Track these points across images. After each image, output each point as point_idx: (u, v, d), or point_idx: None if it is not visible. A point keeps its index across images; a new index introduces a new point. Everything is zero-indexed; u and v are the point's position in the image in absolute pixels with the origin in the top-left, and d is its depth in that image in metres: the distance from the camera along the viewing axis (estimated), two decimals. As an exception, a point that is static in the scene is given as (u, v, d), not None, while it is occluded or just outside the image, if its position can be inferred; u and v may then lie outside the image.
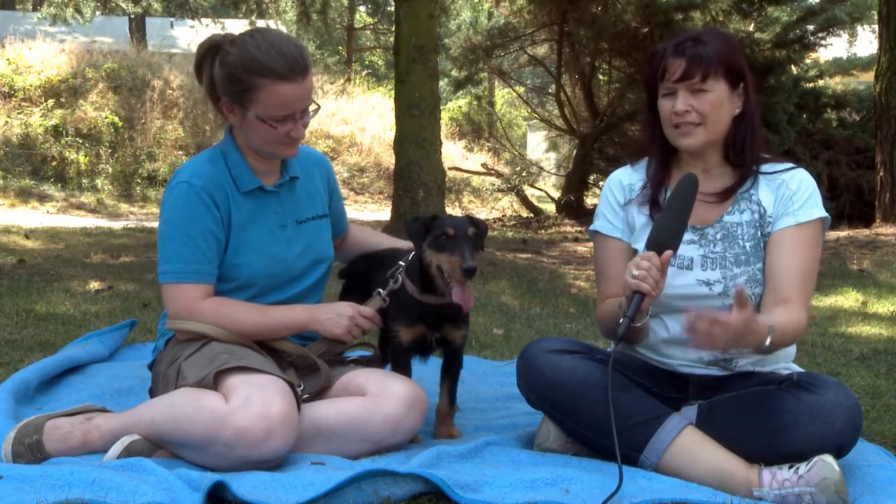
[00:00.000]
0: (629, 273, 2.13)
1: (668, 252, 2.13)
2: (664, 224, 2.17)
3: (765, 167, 2.39)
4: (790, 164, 2.40)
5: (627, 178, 2.49)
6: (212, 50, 2.48)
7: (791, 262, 2.28)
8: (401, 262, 2.54)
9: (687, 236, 2.35)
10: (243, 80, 2.39)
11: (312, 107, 2.49)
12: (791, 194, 2.33)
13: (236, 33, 2.52)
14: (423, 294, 2.49)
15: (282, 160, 2.59)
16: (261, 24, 16.83)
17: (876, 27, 12.20)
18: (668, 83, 2.31)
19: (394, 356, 2.58)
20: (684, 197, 2.18)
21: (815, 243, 2.33)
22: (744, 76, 2.34)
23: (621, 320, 2.13)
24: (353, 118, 19.04)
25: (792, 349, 2.44)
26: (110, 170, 14.93)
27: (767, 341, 2.09)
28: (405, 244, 2.68)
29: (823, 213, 2.33)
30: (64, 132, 14.90)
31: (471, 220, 2.46)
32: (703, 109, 2.29)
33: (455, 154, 17.91)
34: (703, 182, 2.38)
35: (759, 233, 2.34)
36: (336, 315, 2.47)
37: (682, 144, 2.34)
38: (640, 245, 2.39)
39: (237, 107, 2.44)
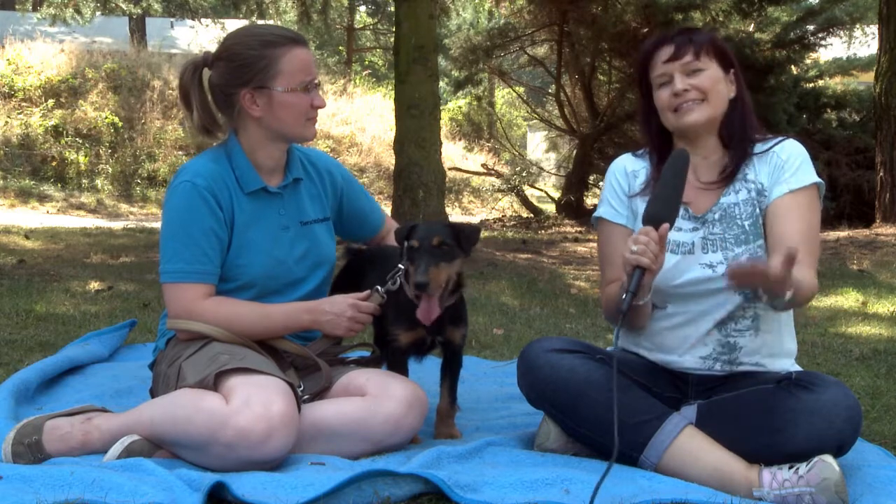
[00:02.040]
0: (627, 249, 2.15)
1: (665, 225, 2.14)
2: (659, 198, 2.19)
3: (756, 147, 2.41)
4: (780, 137, 2.43)
5: (631, 165, 2.51)
6: (197, 68, 2.50)
7: (792, 226, 2.29)
8: (400, 266, 2.54)
9: (688, 224, 2.37)
10: (262, 57, 2.41)
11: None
12: (782, 163, 2.35)
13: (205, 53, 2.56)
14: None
15: (286, 161, 2.60)
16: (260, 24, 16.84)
17: (876, 27, 12.21)
18: (660, 68, 2.36)
19: (391, 358, 2.59)
20: (676, 170, 2.20)
21: (813, 208, 2.33)
22: (733, 63, 2.40)
23: (623, 296, 2.14)
24: (353, 118, 19.04)
25: (793, 348, 2.45)
26: (110, 170, 14.94)
27: (788, 295, 2.09)
28: None
29: (816, 179, 2.34)
30: (64, 132, 14.91)
31: (447, 229, 2.42)
32: (702, 85, 2.33)
33: (455, 154, 17.91)
34: (701, 170, 2.41)
35: (756, 209, 2.35)
36: (335, 316, 2.47)
37: (686, 121, 2.35)
38: None
39: (261, 92, 2.44)
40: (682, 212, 2.33)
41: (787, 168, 2.34)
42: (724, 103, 2.38)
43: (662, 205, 2.17)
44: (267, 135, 2.51)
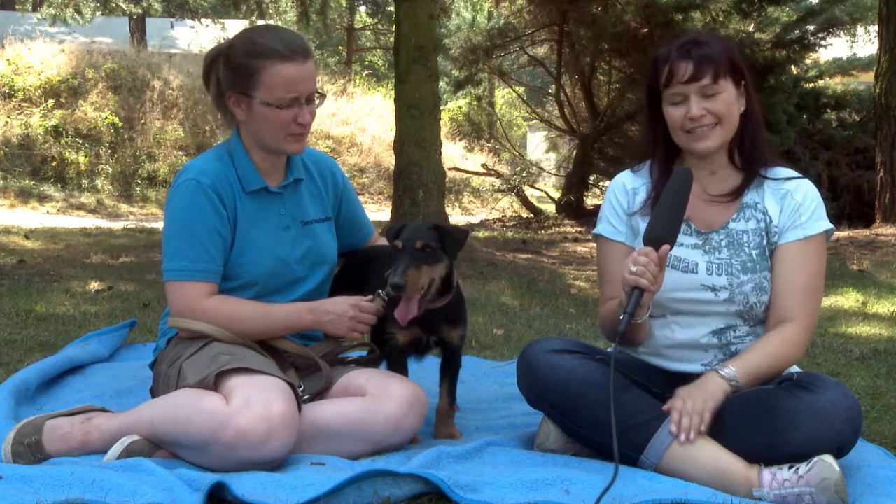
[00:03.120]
0: (627, 269, 2.14)
1: (666, 247, 2.14)
2: (660, 219, 2.18)
3: (769, 172, 2.39)
4: (795, 174, 2.40)
5: (630, 182, 2.48)
6: (220, 55, 2.52)
7: (796, 280, 2.30)
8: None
9: (690, 240, 2.36)
10: (247, 66, 2.42)
11: (317, 99, 2.50)
12: (797, 206, 2.34)
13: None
14: None
15: (287, 161, 2.60)
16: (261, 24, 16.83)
17: (876, 27, 12.21)
18: (676, 87, 2.29)
19: (390, 357, 2.59)
20: (679, 191, 2.18)
21: (821, 257, 2.35)
22: (744, 75, 2.35)
23: (621, 317, 2.14)
24: (353, 118, 19.05)
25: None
26: (110, 170, 14.94)
27: (728, 387, 2.19)
28: None
29: (829, 225, 2.35)
30: (64, 132, 14.91)
31: (433, 231, 2.41)
32: (718, 110, 2.29)
33: (455, 154, 17.91)
34: (709, 184, 2.39)
35: (764, 241, 2.35)
36: (337, 316, 2.47)
37: (699, 148, 2.32)
38: None
39: (243, 98, 2.45)
40: (683, 226, 2.29)
41: (802, 211, 2.33)
42: (737, 122, 2.34)
43: (663, 225, 2.16)
44: (255, 139, 2.52)
